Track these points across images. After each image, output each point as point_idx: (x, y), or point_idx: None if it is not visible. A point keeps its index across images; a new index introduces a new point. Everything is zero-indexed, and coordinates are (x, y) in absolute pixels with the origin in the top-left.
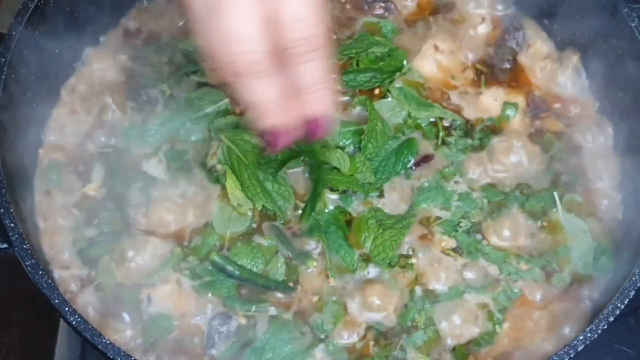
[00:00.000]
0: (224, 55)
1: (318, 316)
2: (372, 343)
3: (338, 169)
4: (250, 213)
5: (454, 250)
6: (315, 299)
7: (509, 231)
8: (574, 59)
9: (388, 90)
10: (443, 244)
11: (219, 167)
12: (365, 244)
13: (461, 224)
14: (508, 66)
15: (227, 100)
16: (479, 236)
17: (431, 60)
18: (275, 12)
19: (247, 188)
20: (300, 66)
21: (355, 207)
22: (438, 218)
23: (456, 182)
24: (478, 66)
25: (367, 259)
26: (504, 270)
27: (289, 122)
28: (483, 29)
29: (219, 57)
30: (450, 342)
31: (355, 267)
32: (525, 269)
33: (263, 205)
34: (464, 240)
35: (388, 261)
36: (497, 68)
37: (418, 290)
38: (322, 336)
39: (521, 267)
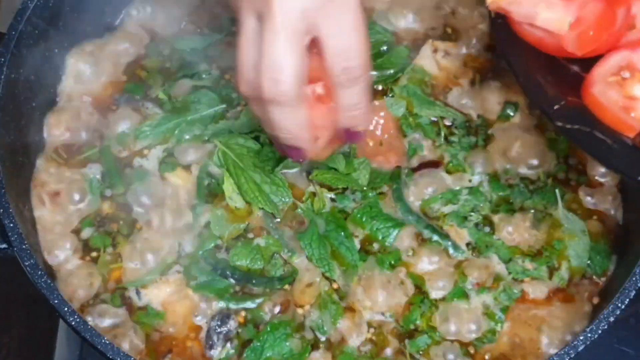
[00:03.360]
0: (262, 80)
1: (318, 317)
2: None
3: (335, 169)
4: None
5: (467, 245)
6: (313, 300)
7: (512, 226)
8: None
9: (391, 89)
10: (457, 237)
11: (216, 170)
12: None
13: (471, 217)
14: None
15: (223, 106)
16: (487, 229)
17: (431, 61)
18: (320, 43)
19: (245, 192)
20: (341, 91)
21: (353, 206)
22: (444, 214)
23: (461, 178)
24: (479, 65)
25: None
26: (510, 269)
27: (311, 145)
28: (483, 28)
29: (255, 80)
30: (452, 342)
31: (357, 263)
32: (531, 269)
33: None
34: (474, 233)
35: (390, 262)
36: (500, 67)
37: (424, 291)
38: (323, 338)
39: (527, 266)
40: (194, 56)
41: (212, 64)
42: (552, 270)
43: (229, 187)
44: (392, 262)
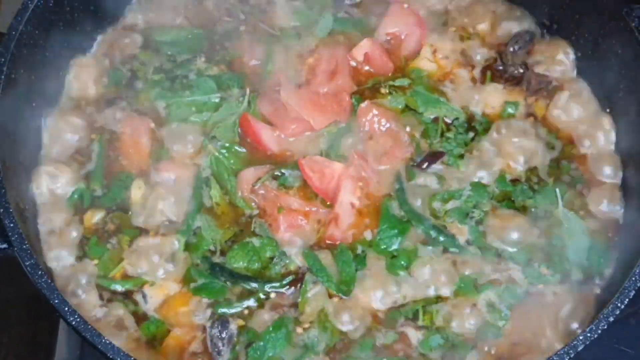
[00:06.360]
0: None
1: (314, 335)
2: None
3: None
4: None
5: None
6: (314, 316)
7: (512, 224)
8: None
9: (392, 86)
10: (458, 233)
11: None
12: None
13: (473, 214)
14: (520, 71)
15: (218, 95)
16: (481, 227)
17: (431, 62)
18: None
19: (239, 199)
20: None
21: None
22: (446, 210)
23: (464, 174)
24: (481, 66)
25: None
26: (527, 274)
27: None
28: (482, 28)
29: None
30: (458, 338)
31: (354, 276)
32: (547, 275)
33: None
34: (474, 232)
35: (401, 264)
36: (507, 73)
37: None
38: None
39: (543, 271)
40: (176, 47)
41: (200, 56)
42: (564, 274)
43: (215, 193)
44: (404, 264)
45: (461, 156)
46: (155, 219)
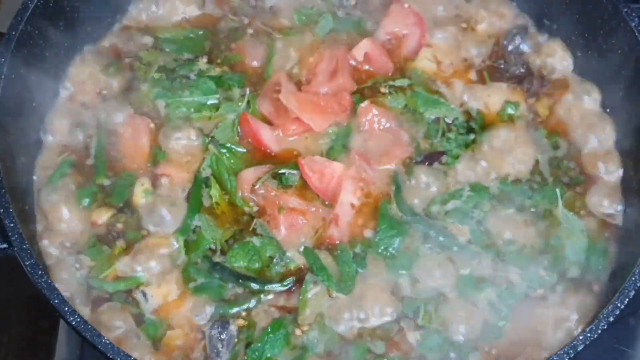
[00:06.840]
0: None
1: (314, 336)
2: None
3: None
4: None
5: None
6: (315, 315)
7: (512, 224)
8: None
9: (394, 88)
10: (458, 234)
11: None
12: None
13: (473, 214)
14: (522, 70)
15: (216, 96)
16: (481, 227)
17: (431, 63)
18: None
19: (239, 199)
20: None
21: None
22: (447, 211)
23: (464, 175)
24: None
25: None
26: (526, 274)
27: None
28: (482, 28)
29: None
30: (458, 338)
31: (354, 275)
32: (544, 275)
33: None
34: (475, 231)
35: (402, 265)
36: (509, 72)
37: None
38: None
39: (542, 272)
40: (177, 45)
41: (202, 56)
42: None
43: (215, 193)
44: (404, 264)
45: (460, 156)
46: (161, 220)
